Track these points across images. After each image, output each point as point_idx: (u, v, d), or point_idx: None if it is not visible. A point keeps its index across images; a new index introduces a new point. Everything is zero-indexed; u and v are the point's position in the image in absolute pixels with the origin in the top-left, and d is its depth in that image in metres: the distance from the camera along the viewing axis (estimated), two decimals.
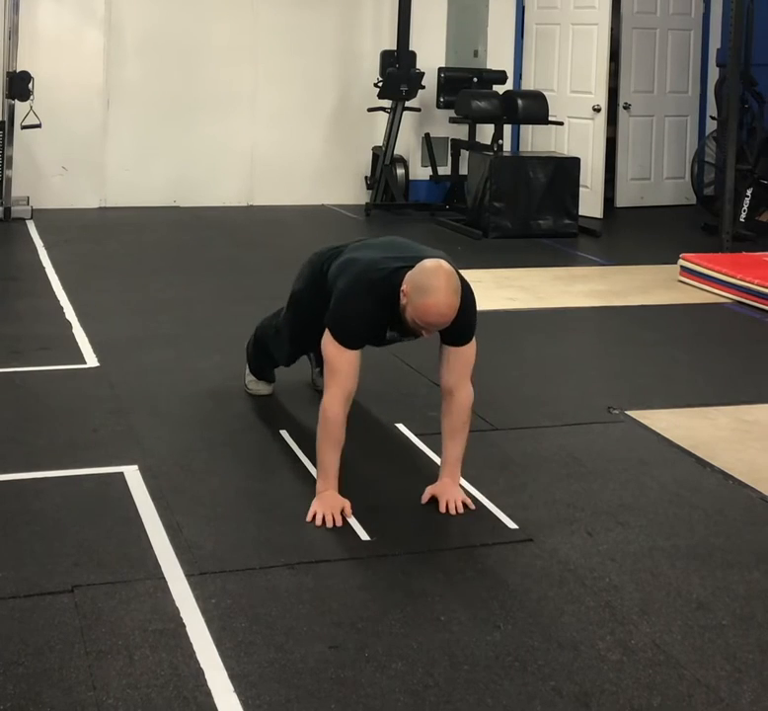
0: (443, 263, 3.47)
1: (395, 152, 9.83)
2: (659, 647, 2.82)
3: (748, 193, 9.10)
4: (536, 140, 10.31)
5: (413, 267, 3.48)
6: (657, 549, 3.36)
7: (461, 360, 3.63)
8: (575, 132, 9.91)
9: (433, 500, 3.61)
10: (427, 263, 3.47)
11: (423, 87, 9.78)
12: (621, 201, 10.44)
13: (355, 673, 2.67)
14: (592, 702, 2.58)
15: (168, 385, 4.81)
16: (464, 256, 7.08)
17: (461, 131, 9.83)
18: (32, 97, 8.64)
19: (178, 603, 2.96)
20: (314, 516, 3.46)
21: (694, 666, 2.73)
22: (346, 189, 10.25)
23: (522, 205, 8.87)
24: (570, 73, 10.00)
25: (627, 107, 10.43)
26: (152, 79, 9.60)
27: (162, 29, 9.60)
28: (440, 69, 9.96)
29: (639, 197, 10.54)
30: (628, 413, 4.57)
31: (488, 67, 10.20)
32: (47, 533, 3.35)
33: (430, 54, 10.04)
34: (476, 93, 9.53)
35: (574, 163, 9.13)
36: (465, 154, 9.70)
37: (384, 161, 9.75)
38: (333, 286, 3.73)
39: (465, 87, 9.70)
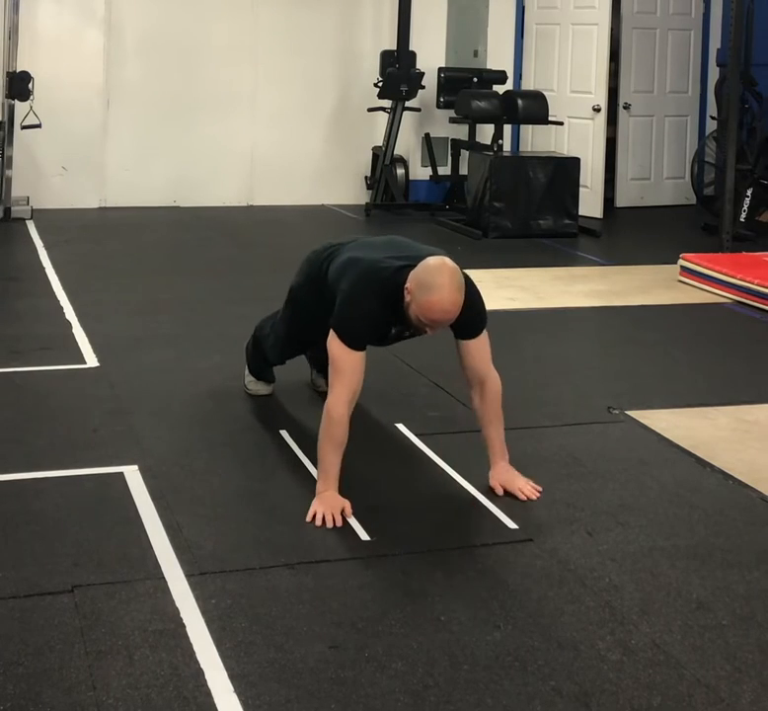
0: (447, 260, 3.49)
1: (395, 152, 9.83)
2: (659, 647, 2.82)
3: (748, 193, 9.10)
4: (536, 140, 10.31)
5: (415, 265, 3.49)
6: (657, 549, 3.36)
7: (480, 350, 3.69)
8: (575, 132, 9.91)
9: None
10: (431, 260, 3.48)
11: (423, 87, 9.78)
12: (621, 201, 10.45)
13: (355, 673, 2.67)
14: (592, 702, 2.58)
15: (168, 385, 4.81)
16: (464, 256, 7.08)
17: (461, 131, 9.83)
18: (32, 97, 8.64)
19: (178, 603, 2.96)
20: (314, 517, 3.47)
21: (694, 666, 2.73)
22: (346, 189, 10.26)
23: (522, 205, 8.87)
24: (570, 73, 10.00)
25: (627, 107, 10.43)
26: (152, 79, 9.61)
27: (162, 29, 9.61)
28: (440, 69, 9.96)
29: (639, 197, 10.54)
30: (628, 413, 4.57)
31: (488, 67, 10.20)
32: (47, 533, 3.35)
33: (430, 54, 10.04)
34: (476, 93, 9.53)
35: (574, 163, 9.13)
36: (465, 154, 9.70)
37: (384, 161, 9.75)
38: (334, 286, 3.74)
39: (465, 87, 9.70)
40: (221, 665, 2.69)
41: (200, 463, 3.95)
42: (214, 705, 2.54)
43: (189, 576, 3.11)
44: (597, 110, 9.77)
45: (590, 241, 8.86)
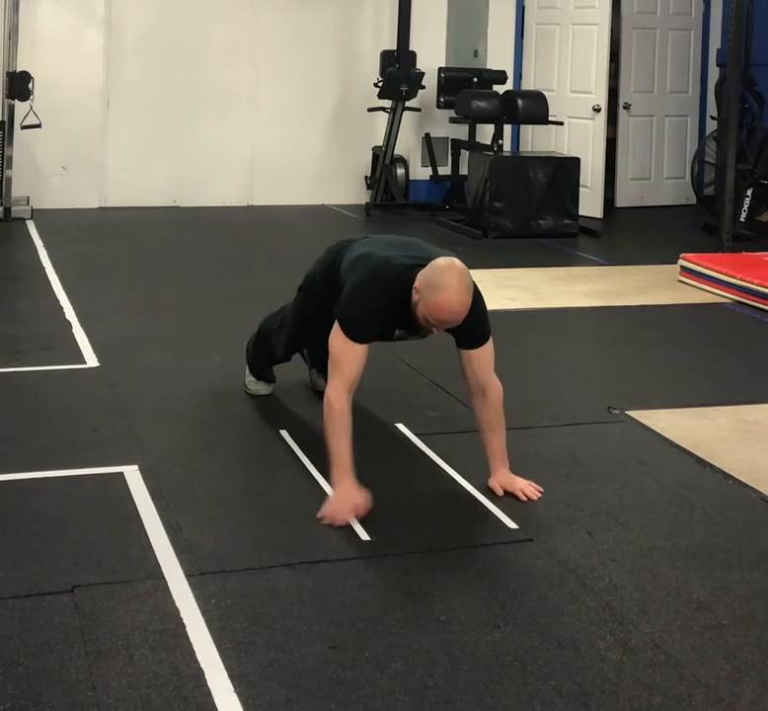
0: (456, 261, 3.50)
1: (395, 152, 9.83)
2: (659, 647, 2.82)
3: (748, 193, 9.10)
4: (536, 140, 10.31)
5: (425, 265, 3.50)
6: (657, 549, 3.36)
7: (482, 361, 3.68)
8: (575, 132, 9.91)
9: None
10: (441, 261, 3.50)
11: (423, 87, 9.78)
12: (621, 201, 10.44)
13: (355, 673, 2.67)
14: (592, 702, 2.58)
15: (168, 385, 4.81)
16: (464, 256, 7.03)
17: (461, 131, 9.83)
18: (32, 97, 8.64)
19: (178, 603, 2.96)
20: (324, 516, 3.46)
21: (694, 666, 2.73)
22: (346, 189, 10.26)
23: (522, 205, 8.87)
24: (570, 73, 10.00)
25: (627, 107, 10.43)
26: (152, 79, 9.61)
27: (162, 29, 9.61)
28: (440, 69, 9.96)
29: (639, 197, 10.54)
30: (628, 413, 4.57)
31: (488, 67, 10.20)
32: (47, 533, 3.35)
33: (430, 54, 10.04)
34: (476, 93, 9.53)
35: (574, 163, 9.13)
36: (465, 154, 9.70)
37: (384, 161, 9.75)
38: (345, 279, 3.75)
39: (465, 87, 9.70)
40: (221, 665, 2.69)
41: (200, 463, 3.95)
42: (214, 705, 2.54)
43: (189, 576, 3.11)
44: (597, 110, 9.77)
45: (590, 241, 8.86)
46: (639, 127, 10.50)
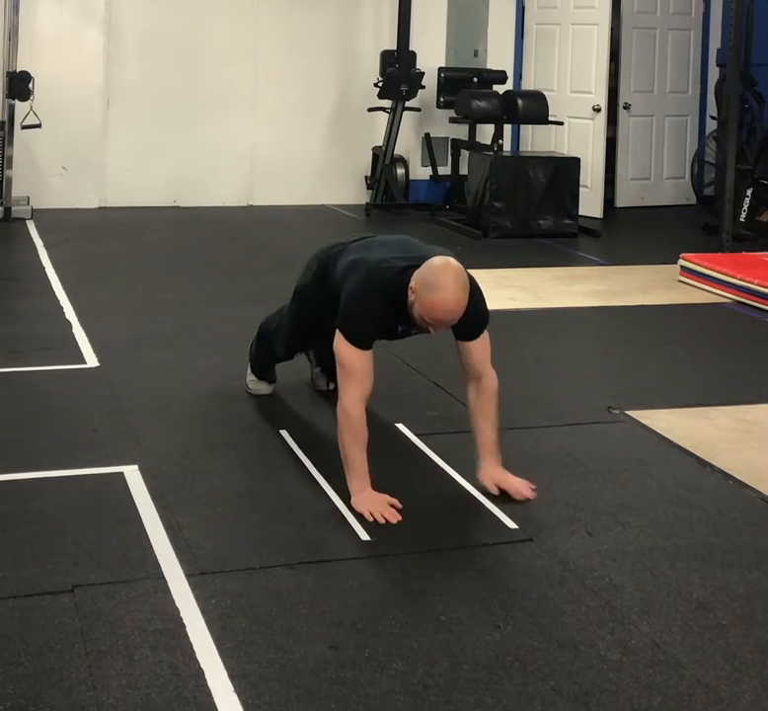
0: (452, 260, 3.50)
1: (395, 152, 9.83)
2: (659, 647, 2.82)
3: (748, 193, 9.10)
4: (536, 140, 10.31)
5: (420, 265, 3.50)
6: (657, 549, 3.36)
7: (480, 350, 3.70)
8: (575, 132, 9.91)
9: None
10: (436, 260, 3.49)
11: (423, 87, 9.78)
12: (621, 201, 10.44)
13: (355, 673, 2.67)
14: (592, 702, 2.58)
15: (168, 385, 4.81)
16: (464, 256, 7.03)
17: (461, 131, 9.83)
18: (32, 97, 8.64)
19: (178, 603, 2.96)
20: (372, 515, 3.47)
21: (694, 666, 2.73)
22: (346, 189, 10.25)
23: (522, 205, 8.87)
24: (570, 73, 10.00)
25: (627, 107, 10.43)
26: (152, 79, 9.60)
27: (162, 29, 9.60)
28: (440, 69, 9.96)
29: (639, 197, 10.54)
30: (628, 413, 4.57)
31: (488, 67, 10.20)
32: (47, 533, 3.35)
33: (430, 54, 10.04)
34: (476, 93, 9.53)
35: (574, 163, 9.13)
36: (465, 154, 9.70)
37: (384, 161, 9.75)
38: (340, 285, 3.74)
39: (465, 87, 9.70)
40: (221, 665, 2.69)
41: (200, 463, 3.95)
42: (214, 705, 2.54)
43: (189, 576, 3.11)
44: (597, 110, 9.77)
45: (590, 241, 8.86)
46: (639, 127, 10.50)
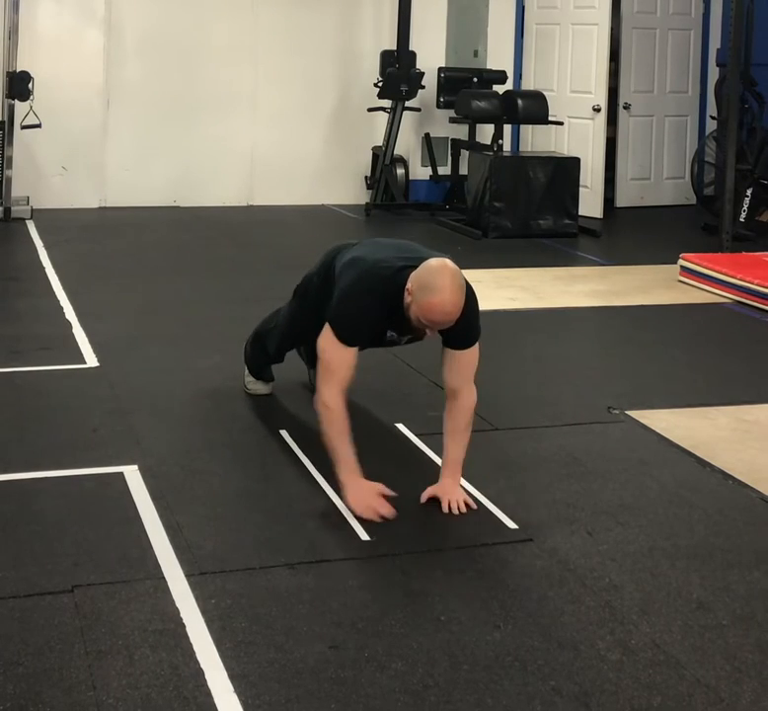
0: (448, 262, 3.50)
1: (395, 152, 9.83)
2: (659, 647, 2.82)
3: (748, 193, 9.10)
4: (536, 140, 10.31)
5: (417, 266, 3.50)
6: (657, 549, 3.36)
7: (465, 365, 3.64)
8: (575, 132, 9.91)
9: (433, 500, 3.61)
10: (433, 262, 3.49)
11: (423, 87, 9.78)
12: (621, 201, 10.44)
13: (355, 673, 2.67)
14: (592, 702, 2.58)
15: (168, 385, 4.81)
16: (464, 256, 7.07)
17: (461, 131, 9.83)
18: (32, 97, 8.64)
19: (178, 603, 2.96)
20: (362, 513, 3.46)
21: (694, 666, 2.73)
22: (346, 189, 10.25)
23: (522, 205, 8.87)
24: (570, 73, 10.00)
25: (627, 107, 10.43)
26: (152, 79, 9.60)
27: (162, 29, 9.60)
28: (440, 69, 9.96)
29: (639, 196, 10.54)
30: (628, 413, 4.57)
31: (488, 67, 10.20)
32: (47, 533, 3.35)
33: (430, 54, 10.04)
34: (476, 93, 9.53)
35: (574, 163, 9.13)
36: (465, 154, 9.70)
37: (384, 161, 9.75)
38: (337, 282, 3.75)
39: (465, 87, 9.70)
40: (221, 665, 2.69)
41: (200, 463, 3.95)
42: (214, 705, 2.54)
43: (189, 576, 3.11)
44: (597, 110, 9.77)
45: (590, 241, 8.86)
46: (639, 127, 10.50)
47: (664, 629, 2.90)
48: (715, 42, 10.53)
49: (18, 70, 8.67)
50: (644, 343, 5.76)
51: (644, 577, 3.18)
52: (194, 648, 2.76)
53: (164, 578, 3.09)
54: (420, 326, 3.49)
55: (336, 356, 3.54)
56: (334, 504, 3.58)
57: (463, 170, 9.71)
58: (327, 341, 3.56)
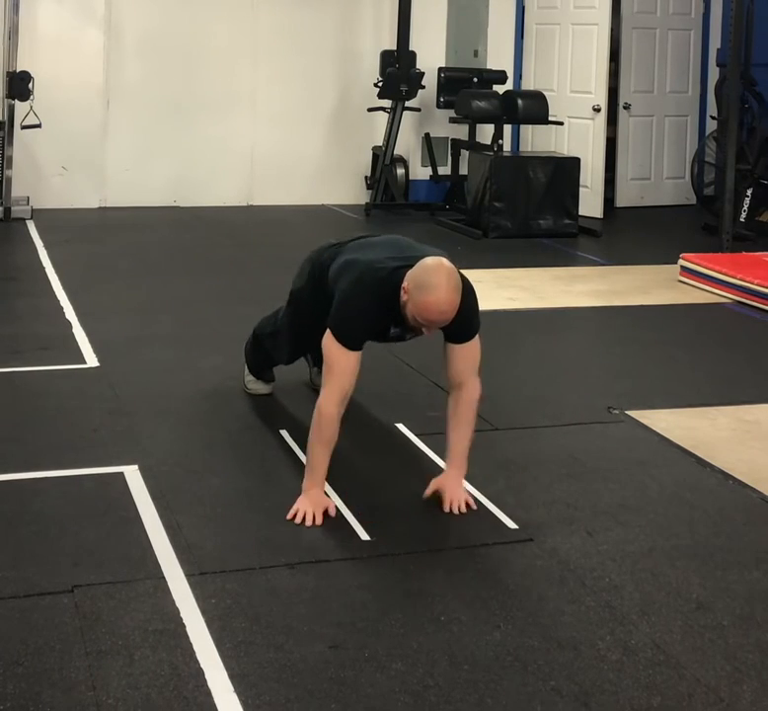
0: (444, 261, 3.49)
1: (395, 152, 9.83)
2: (659, 647, 2.82)
3: (748, 193, 9.10)
4: (536, 140, 10.31)
5: (413, 266, 3.49)
6: (657, 549, 3.36)
7: (466, 358, 3.64)
8: (575, 132, 9.91)
9: (434, 497, 3.61)
10: (428, 260, 3.48)
11: (423, 87, 9.78)
12: (621, 201, 10.44)
13: (355, 673, 2.67)
14: (592, 702, 2.58)
15: (168, 385, 4.81)
16: (464, 256, 7.07)
17: (461, 131, 9.83)
18: (32, 97, 8.64)
19: (178, 603, 2.96)
20: (295, 514, 3.48)
21: (694, 666, 2.73)
22: (346, 189, 10.25)
23: (522, 205, 8.87)
24: (570, 73, 10.00)
25: (627, 107, 10.43)
26: (152, 79, 9.60)
27: (162, 29, 9.60)
28: (440, 69, 9.96)
29: (639, 196, 10.54)
30: (628, 413, 4.57)
31: (488, 67, 10.20)
32: (47, 533, 3.35)
33: (430, 54, 10.04)
34: (476, 93, 9.53)
35: (574, 163, 9.13)
36: (465, 154, 9.70)
37: (384, 161, 9.75)
38: (334, 287, 3.74)
39: (465, 87, 9.70)
40: (221, 665, 2.69)
41: (200, 463, 3.95)
42: (214, 705, 2.54)
43: (189, 576, 3.11)
44: (597, 110, 9.77)
45: (590, 241, 8.86)
46: (639, 127, 10.50)
47: (664, 629, 2.90)
48: (715, 43, 10.53)
49: (18, 70, 8.67)
50: (644, 343, 5.76)
51: (644, 577, 3.18)
52: (194, 648, 2.76)
53: (164, 578, 3.09)
54: (416, 324, 3.49)
55: (339, 361, 3.55)
56: (334, 504, 3.58)
57: (463, 170, 9.71)
58: (330, 345, 3.57)
